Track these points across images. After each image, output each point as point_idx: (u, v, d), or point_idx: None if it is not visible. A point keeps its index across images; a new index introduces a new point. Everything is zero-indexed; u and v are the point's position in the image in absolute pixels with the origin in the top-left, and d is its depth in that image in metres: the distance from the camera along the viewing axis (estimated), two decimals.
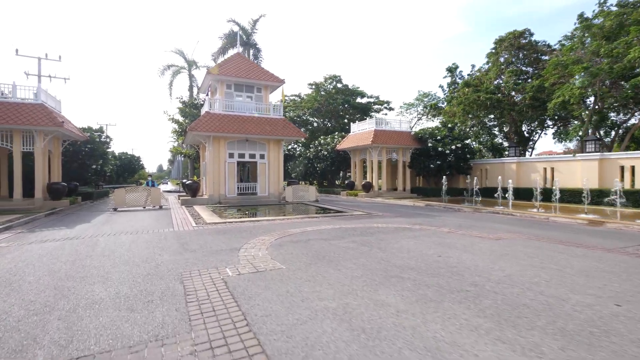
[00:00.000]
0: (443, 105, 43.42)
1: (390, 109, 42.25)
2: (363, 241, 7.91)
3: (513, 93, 26.77)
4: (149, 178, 17.68)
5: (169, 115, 25.00)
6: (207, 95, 18.99)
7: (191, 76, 28.54)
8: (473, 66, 51.19)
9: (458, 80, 41.79)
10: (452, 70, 41.58)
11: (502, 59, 29.12)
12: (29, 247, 7.56)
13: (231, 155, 19.46)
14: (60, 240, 8.32)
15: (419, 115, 46.21)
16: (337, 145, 29.02)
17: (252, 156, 20.04)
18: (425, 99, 47.22)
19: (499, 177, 19.75)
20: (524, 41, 26.76)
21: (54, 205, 16.30)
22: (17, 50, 23.44)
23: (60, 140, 19.29)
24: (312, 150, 31.81)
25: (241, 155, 19.75)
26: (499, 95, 26.36)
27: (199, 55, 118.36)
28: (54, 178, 18.45)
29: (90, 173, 22.25)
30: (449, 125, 25.91)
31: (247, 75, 19.87)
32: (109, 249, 7.28)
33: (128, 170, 47.21)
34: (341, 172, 34.25)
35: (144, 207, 16.82)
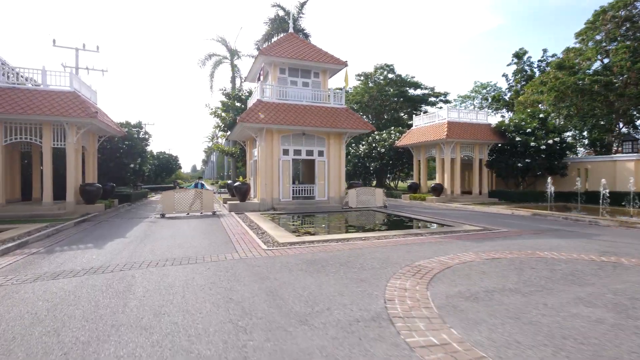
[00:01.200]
0: (507, 97, 38.36)
1: (447, 101, 37.78)
2: (605, 302, 4.29)
3: (624, 75, 21.68)
4: (198, 180, 15.02)
5: (211, 109, 22.56)
6: (259, 79, 16.09)
7: (234, 66, 26.09)
8: (545, 50, 45.36)
9: (526, 68, 36.63)
10: (519, 56, 36.52)
11: (598, 37, 24.05)
12: (27, 291, 4.67)
13: (286, 152, 16.38)
14: (80, 275, 5.41)
15: (476, 109, 41.30)
16: (397, 142, 25.27)
17: (310, 153, 16.86)
18: (484, 90, 42.25)
19: (603, 180, 15.25)
20: (635, 11, 21.64)
21: (87, 209, 13.95)
22: (54, 41, 21.82)
23: (95, 136, 17.11)
24: (364, 147, 28.26)
25: (297, 152, 16.63)
26: (610, 77, 21.40)
27: (242, 44, 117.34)
28: (89, 178, 16.25)
29: (128, 173, 20.16)
30: (541, 116, 21.35)
31: (303, 56, 16.71)
32: (150, 305, 4.19)
33: (166, 170, 46.04)
34: (389, 172, 30.49)
35: (188, 214, 14.10)
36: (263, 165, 15.73)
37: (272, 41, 17.04)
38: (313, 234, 9.48)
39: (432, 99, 37.32)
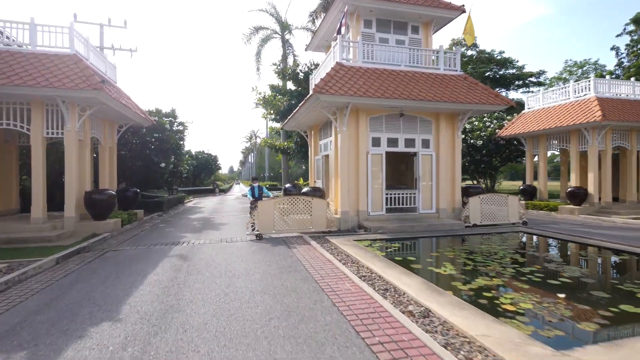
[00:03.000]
0: (618, 72, 30.31)
1: (539, 83, 30.40)
2: None
3: None
4: (255, 183, 9.78)
5: (259, 93, 17.88)
6: (339, 32, 10.78)
7: (285, 42, 21.29)
8: None
9: None
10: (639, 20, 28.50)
11: None
12: None
13: (376, 142, 10.99)
14: None
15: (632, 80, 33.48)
16: (500, 131, 18.95)
17: (410, 143, 11.33)
18: (579, 70, 34.27)
19: None
20: None
21: (94, 228, 9.47)
22: (75, 16, 17.93)
23: (114, 126, 12.79)
24: None
25: (392, 142, 11.16)
26: None
27: (294, 16, 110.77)
28: (104, 182, 11.90)
29: (158, 173, 15.93)
30: None
31: None
32: None
33: (205, 170, 42.67)
34: (486, 170, 24.00)
35: (254, 236, 9.18)
36: (344, 163, 10.44)
37: (330, 16, 12.09)
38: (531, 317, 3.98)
39: (521, 80, 30.12)
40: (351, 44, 11.12)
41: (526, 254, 7.89)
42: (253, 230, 9.06)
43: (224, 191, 42.43)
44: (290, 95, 17.54)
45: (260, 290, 4.92)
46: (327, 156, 12.84)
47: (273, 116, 18.19)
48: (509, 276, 5.72)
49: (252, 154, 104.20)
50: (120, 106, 10.50)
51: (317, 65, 16.65)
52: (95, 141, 11.79)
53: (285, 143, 19.31)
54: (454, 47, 29.91)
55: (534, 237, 9.49)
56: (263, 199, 9.84)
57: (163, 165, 15.12)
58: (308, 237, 8.76)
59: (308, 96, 9.93)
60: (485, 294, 4.83)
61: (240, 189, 54.37)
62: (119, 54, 28.17)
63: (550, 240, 9.01)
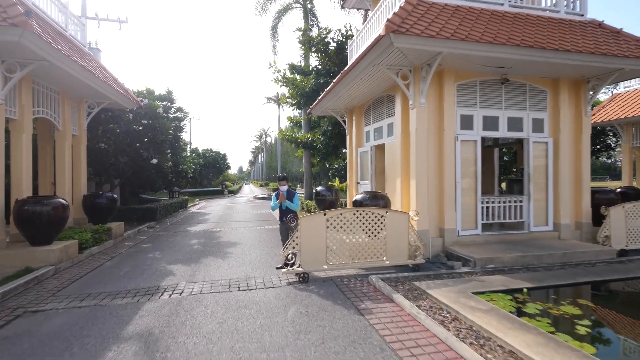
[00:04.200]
0: None
1: None
2: None
3: None
4: (283, 186, 5.80)
5: (277, 70, 14.17)
6: None
7: (307, 12, 17.49)
8: None
9: None
10: None
11: None
12: None
13: (467, 122, 7.13)
14: None
15: None
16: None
17: (515, 124, 7.43)
18: None
19: None
20: None
21: (29, 258, 5.87)
22: None
23: (81, 105, 9.20)
24: None
25: (490, 123, 7.28)
26: None
27: None
28: (64, 185, 8.31)
29: (150, 172, 12.34)
30: None
31: None
32: None
33: (213, 170, 39.33)
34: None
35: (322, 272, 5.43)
36: (421, 154, 6.63)
37: None
38: None
39: None
40: None
41: None
42: (290, 264, 5.31)
43: (233, 192, 39.03)
44: (316, 74, 13.78)
45: None
46: (379, 147, 9.03)
47: (293, 100, 14.45)
48: None
49: (262, 154, 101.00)
50: (79, 69, 6.89)
51: (350, 37, 12.82)
52: (49, 126, 8.22)
53: (309, 135, 15.58)
54: None
55: None
56: (286, 208, 6.06)
57: (155, 161, 11.53)
58: (382, 282, 4.96)
59: (368, 47, 6.17)
60: None
61: (250, 190, 50.94)
62: (106, 25, 24.73)
63: None
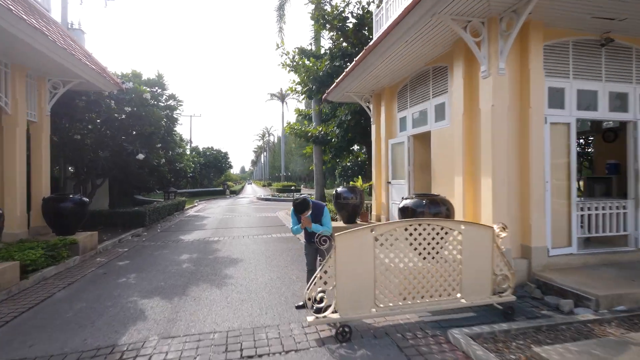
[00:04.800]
0: None
1: None
2: None
3: None
4: (304, 203, 3.61)
5: (286, 53, 12.22)
6: None
7: None
8: None
9: None
10: None
11: None
12: None
13: (557, 98, 5.17)
14: None
15: None
16: None
17: (619, 102, 5.46)
18: None
19: None
20: None
21: None
22: None
23: (42, 84, 7.28)
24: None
25: (586, 100, 5.32)
26: None
27: None
28: (14, 184, 6.41)
29: (138, 169, 10.41)
30: None
31: None
32: None
33: (214, 169, 37.50)
34: None
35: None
36: (500, 142, 4.68)
37: None
38: None
39: None
40: None
41: None
42: (318, 308, 3.37)
43: (235, 193, 37.17)
44: (331, 57, 11.84)
45: None
46: (420, 137, 7.08)
47: (304, 88, 12.48)
48: None
49: (264, 153, 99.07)
50: (22, 26, 4.99)
51: (369, 14, 10.83)
52: None
53: (321, 128, 13.64)
54: None
55: None
56: (314, 229, 4.02)
57: (142, 157, 9.61)
58: (477, 346, 3.01)
59: None
60: None
61: (253, 190, 49.03)
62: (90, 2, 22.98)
63: None
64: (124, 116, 9.37)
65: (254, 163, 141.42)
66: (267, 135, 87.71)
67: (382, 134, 8.64)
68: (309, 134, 14.27)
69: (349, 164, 23.67)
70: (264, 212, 16.38)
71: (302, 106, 21.20)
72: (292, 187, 39.32)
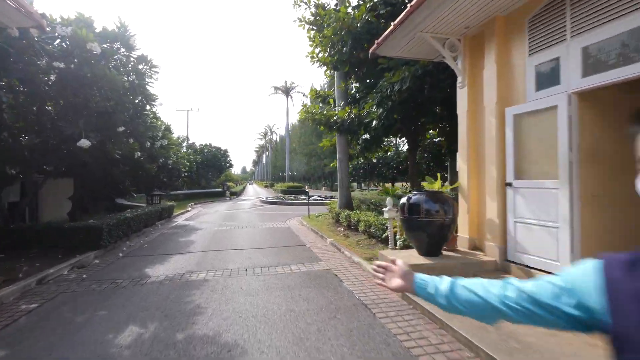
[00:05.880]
0: None
1: None
2: None
3: None
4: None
5: (306, 1, 8.71)
6: None
7: None
8: None
9: None
10: None
11: None
12: None
13: None
14: None
15: None
16: None
17: None
18: None
19: None
20: None
21: None
22: None
23: None
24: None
25: None
26: None
27: None
28: None
29: (86, 160, 6.81)
30: None
31: None
32: None
33: (213, 168, 33.96)
34: None
35: None
36: None
37: None
38: None
39: None
40: None
41: None
42: None
43: (236, 194, 33.64)
44: (372, 4, 8.27)
45: None
46: (597, 96, 3.50)
47: (331, 51, 8.87)
48: None
49: (266, 153, 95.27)
50: None
51: None
52: None
53: (351, 109, 10.08)
54: None
55: None
56: None
57: (87, 144, 5.99)
58: None
59: None
60: None
61: (255, 191, 45.37)
62: None
63: None
64: (53, 77, 5.79)
65: (256, 163, 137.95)
66: (269, 133, 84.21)
67: (486, 99, 5.01)
68: (332, 120, 10.69)
69: (361, 161, 19.96)
70: (271, 220, 12.81)
71: (307, 101, 17.55)
72: (303, 189, 35.59)
